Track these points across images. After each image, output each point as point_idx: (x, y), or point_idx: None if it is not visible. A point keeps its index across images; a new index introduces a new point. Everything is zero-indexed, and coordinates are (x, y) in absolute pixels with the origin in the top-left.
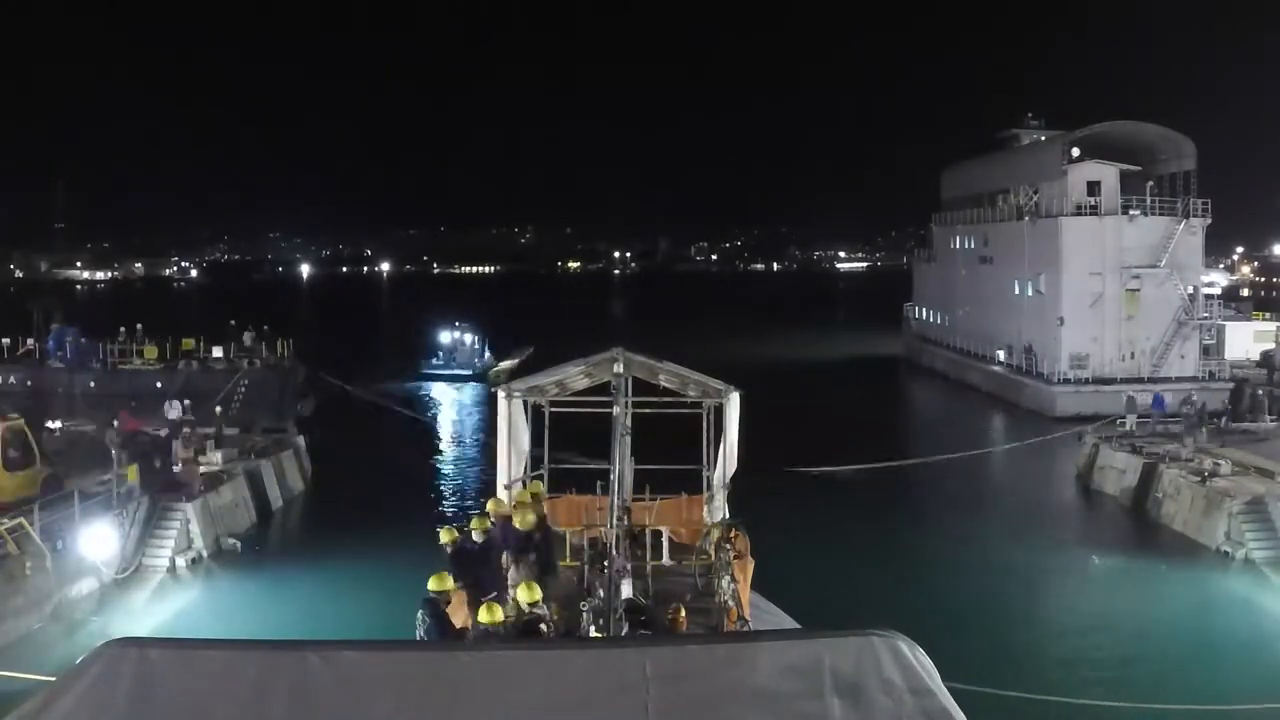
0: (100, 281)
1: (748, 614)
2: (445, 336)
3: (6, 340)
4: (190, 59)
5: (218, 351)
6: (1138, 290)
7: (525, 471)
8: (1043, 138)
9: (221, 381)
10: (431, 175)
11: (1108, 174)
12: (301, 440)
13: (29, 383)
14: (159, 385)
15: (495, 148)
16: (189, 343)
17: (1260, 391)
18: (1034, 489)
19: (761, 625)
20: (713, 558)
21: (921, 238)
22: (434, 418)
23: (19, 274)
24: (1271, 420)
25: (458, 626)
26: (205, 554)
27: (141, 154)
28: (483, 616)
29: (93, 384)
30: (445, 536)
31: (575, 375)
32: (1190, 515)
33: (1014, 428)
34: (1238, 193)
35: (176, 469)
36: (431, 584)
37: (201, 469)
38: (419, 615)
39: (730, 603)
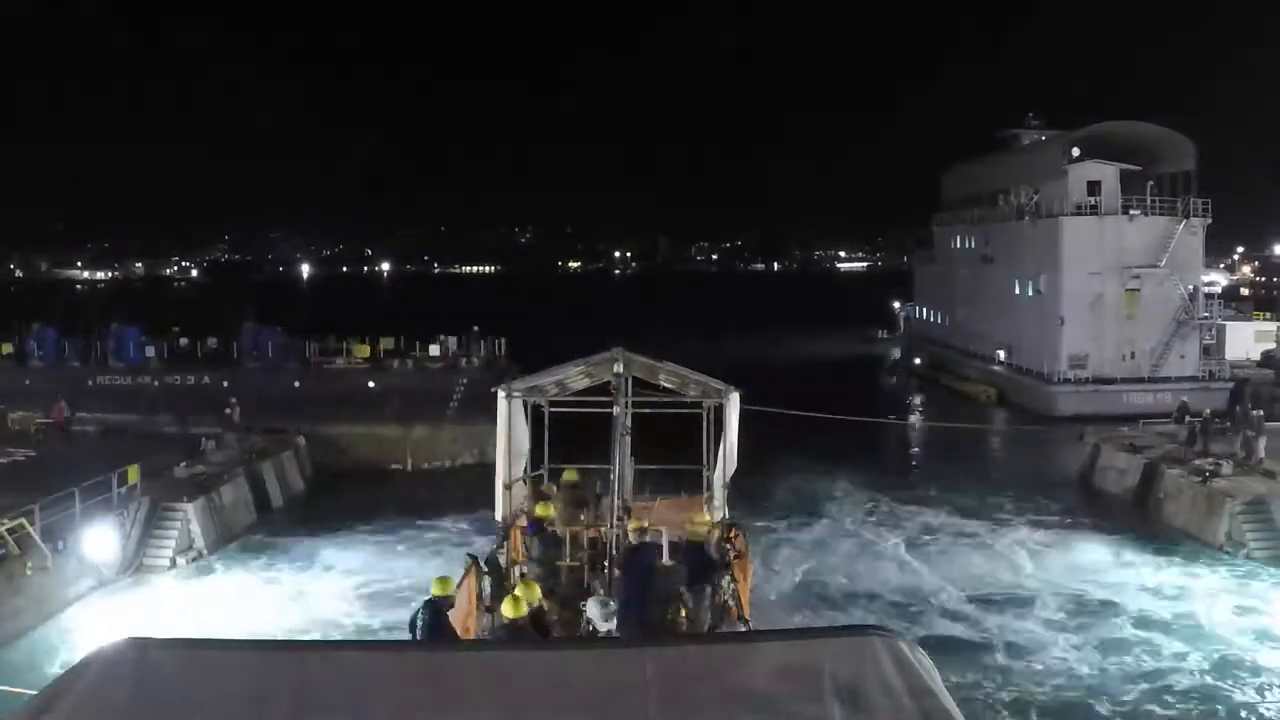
0: (100, 281)
1: (748, 614)
2: None
3: (184, 340)
4: (190, 58)
5: (435, 350)
6: (1138, 290)
7: (525, 472)
8: (1043, 138)
9: (439, 381)
10: (431, 175)
11: (1108, 174)
12: (302, 440)
13: (225, 384)
14: (370, 385)
15: (495, 147)
16: (389, 342)
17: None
18: (1035, 489)
19: (761, 625)
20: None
21: (922, 238)
22: None
23: (19, 274)
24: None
25: (459, 628)
26: (206, 553)
27: (142, 153)
28: (506, 610)
29: (297, 384)
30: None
31: (575, 375)
32: (1192, 515)
33: (1015, 427)
34: (1238, 192)
35: None
36: (434, 588)
37: (201, 470)
38: (416, 615)
39: (730, 603)
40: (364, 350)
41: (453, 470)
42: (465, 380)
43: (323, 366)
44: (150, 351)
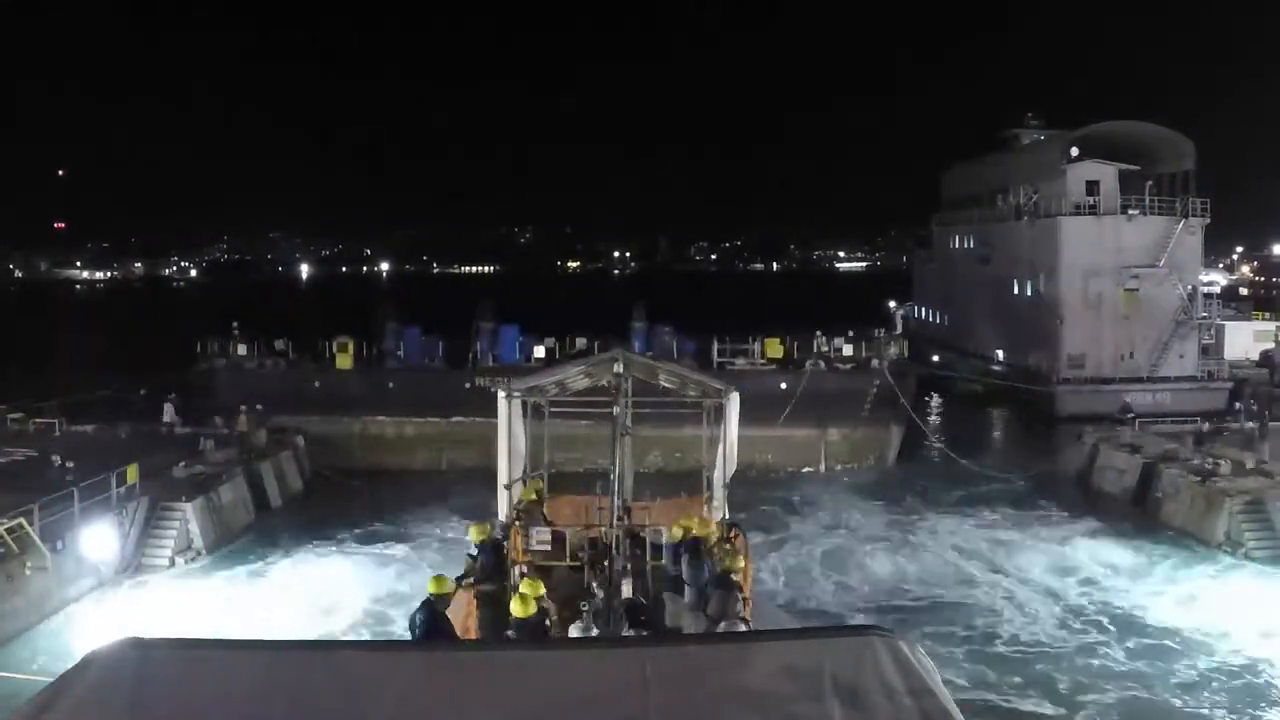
0: (100, 281)
1: (748, 614)
2: None
3: (550, 339)
4: (191, 58)
5: (848, 349)
6: (1136, 290)
7: (525, 472)
8: (1042, 137)
9: (852, 381)
10: (431, 175)
11: (1106, 173)
12: (301, 440)
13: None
14: (783, 386)
15: (495, 147)
16: (775, 342)
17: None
18: (1033, 488)
19: (761, 625)
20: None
21: (921, 238)
22: None
23: (19, 274)
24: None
25: (459, 627)
26: (204, 553)
27: (141, 153)
28: (515, 609)
29: None
30: (475, 534)
31: (575, 375)
32: (1190, 514)
33: (1014, 426)
34: (1238, 192)
35: None
36: (430, 587)
37: (200, 469)
38: (414, 617)
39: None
40: (777, 349)
41: (857, 471)
42: (878, 381)
43: (725, 367)
44: (540, 351)
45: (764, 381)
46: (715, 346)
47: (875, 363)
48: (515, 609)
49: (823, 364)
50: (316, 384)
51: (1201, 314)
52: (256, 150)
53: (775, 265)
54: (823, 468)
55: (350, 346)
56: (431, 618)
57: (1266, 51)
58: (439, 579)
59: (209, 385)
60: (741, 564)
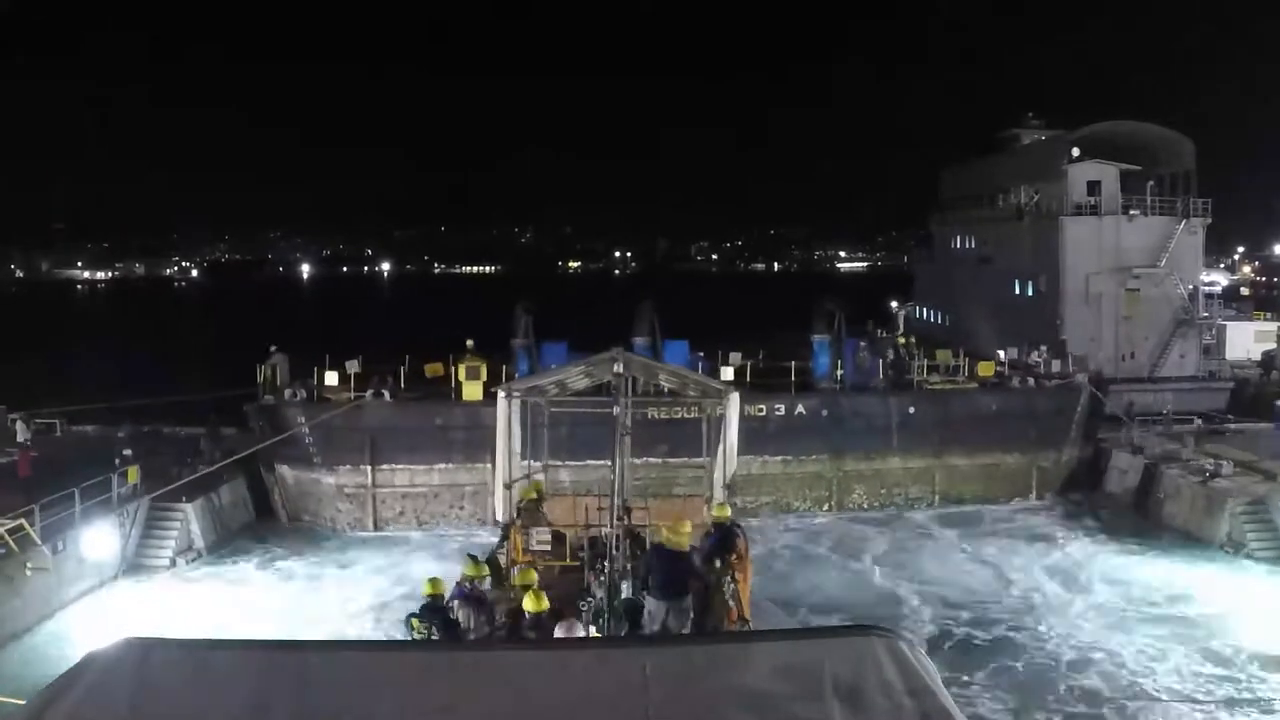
0: (100, 281)
1: (748, 614)
2: None
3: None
4: (191, 57)
5: (1055, 364)
6: (1137, 290)
7: (526, 471)
8: (1043, 137)
9: (1058, 399)
10: (431, 174)
11: (1108, 174)
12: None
13: (824, 412)
14: (993, 407)
15: (495, 147)
16: (989, 366)
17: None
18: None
19: (761, 625)
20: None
21: (921, 238)
22: None
23: (19, 274)
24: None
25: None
26: (205, 553)
27: (141, 153)
28: (529, 605)
29: (912, 410)
30: (428, 588)
31: (575, 375)
32: (1192, 515)
33: None
34: (1240, 192)
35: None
36: (426, 589)
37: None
38: (409, 618)
39: (730, 603)
40: (988, 367)
41: (1070, 502)
42: (1083, 398)
43: (922, 387)
44: (728, 373)
45: (972, 401)
46: (916, 363)
47: (1079, 377)
48: (529, 605)
49: (1032, 380)
50: (438, 420)
51: (1203, 314)
52: (256, 149)
53: (776, 265)
54: (1034, 497)
55: (483, 370)
56: (443, 619)
57: (1267, 51)
58: (434, 580)
59: (272, 422)
60: (687, 539)
